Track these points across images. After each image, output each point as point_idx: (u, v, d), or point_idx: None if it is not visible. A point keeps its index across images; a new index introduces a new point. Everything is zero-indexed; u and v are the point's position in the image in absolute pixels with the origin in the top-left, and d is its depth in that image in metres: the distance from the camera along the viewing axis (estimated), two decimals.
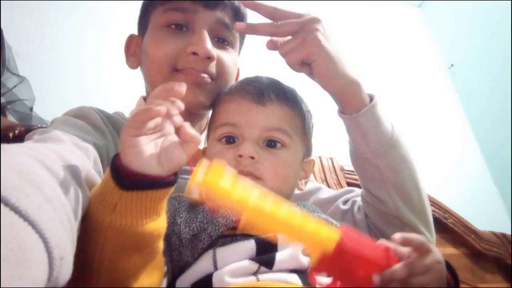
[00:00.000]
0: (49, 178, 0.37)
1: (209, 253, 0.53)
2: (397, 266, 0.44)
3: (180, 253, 0.54)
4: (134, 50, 0.76)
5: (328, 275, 0.47)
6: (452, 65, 2.14)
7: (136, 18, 0.77)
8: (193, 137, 0.45)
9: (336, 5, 1.97)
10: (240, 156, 0.59)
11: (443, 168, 1.83)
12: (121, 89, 1.13)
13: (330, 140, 1.28)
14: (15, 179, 0.32)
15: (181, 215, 0.56)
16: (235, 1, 0.72)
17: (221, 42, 0.72)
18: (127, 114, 0.77)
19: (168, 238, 0.54)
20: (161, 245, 0.47)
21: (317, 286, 0.48)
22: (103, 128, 0.64)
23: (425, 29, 2.21)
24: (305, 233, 0.43)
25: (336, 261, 0.44)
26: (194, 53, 0.66)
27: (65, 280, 0.35)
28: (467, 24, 2.10)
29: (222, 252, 0.52)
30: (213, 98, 0.70)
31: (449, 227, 1.23)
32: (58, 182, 0.37)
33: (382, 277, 0.43)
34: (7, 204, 0.30)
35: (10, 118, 1.06)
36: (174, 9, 0.69)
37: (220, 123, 0.64)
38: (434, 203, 1.25)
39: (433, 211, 1.23)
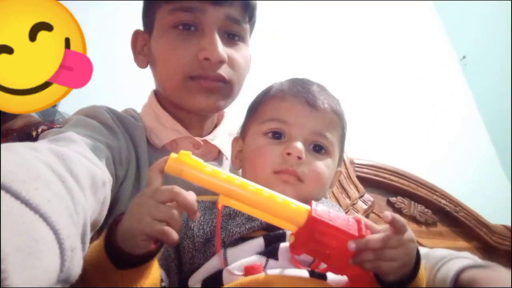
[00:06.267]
0: (55, 178, 0.38)
1: (220, 252, 0.54)
2: (373, 236, 0.45)
3: (193, 256, 0.55)
4: (142, 48, 0.74)
5: (309, 254, 0.49)
6: (464, 56, 2.11)
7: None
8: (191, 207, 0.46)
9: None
10: (289, 154, 0.58)
11: (454, 161, 1.81)
12: (134, 82, 1.13)
13: None
14: (24, 174, 0.34)
15: (194, 220, 0.57)
16: None
17: (231, 38, 0.70)
18: (138, 109, 0.77)
19: (179, 243, 0.55)
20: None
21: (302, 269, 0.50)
22: (115, 129, 0.65)
23: (437, 20, 2.18)
24: (275, 205, 0.46)
25: (309, 234, 0.46)
26: (206, 59, 0.66)
27: (77, 272, 0.37)
28: (480, 15, 2.07)
29: (232, 251, 0.54)
30: (227, 99, 0.71)
31: (460, 221, 1.23)
32: (63, 185, 0.39)
33: (357, 243, 0.44)
34: (18, 198, 0.32)
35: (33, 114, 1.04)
36: (181, 9, 0.66)
37: (269, 117, 0.63)
38: (445, 196, 1.24)
39: (444, 204, 1.22)
